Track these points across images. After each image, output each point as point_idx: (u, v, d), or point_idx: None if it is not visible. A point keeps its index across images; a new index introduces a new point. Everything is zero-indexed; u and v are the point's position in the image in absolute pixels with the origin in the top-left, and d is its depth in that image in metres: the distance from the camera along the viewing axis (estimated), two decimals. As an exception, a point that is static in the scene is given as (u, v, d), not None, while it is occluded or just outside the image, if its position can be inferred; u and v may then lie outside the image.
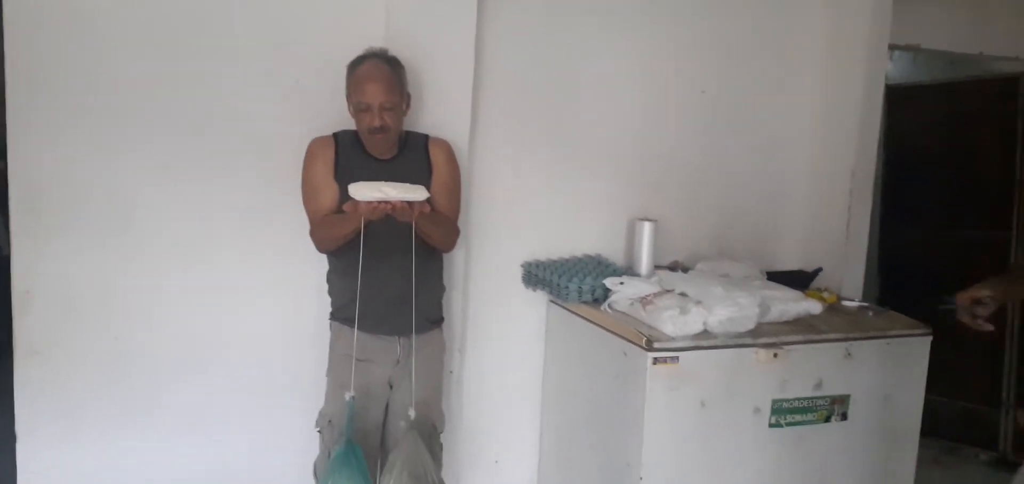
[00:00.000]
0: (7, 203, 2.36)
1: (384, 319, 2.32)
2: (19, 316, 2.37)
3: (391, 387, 2.39)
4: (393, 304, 2.30)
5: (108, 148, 2.42)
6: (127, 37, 2.39)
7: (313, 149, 2.32)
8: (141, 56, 2.41)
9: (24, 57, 2.30)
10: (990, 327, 1.98)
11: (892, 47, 3.41)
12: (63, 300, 2.42)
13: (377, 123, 2.23)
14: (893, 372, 2.62)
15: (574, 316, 2.71)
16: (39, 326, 2.40)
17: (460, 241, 2.52)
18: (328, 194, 2.27)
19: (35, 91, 2.33)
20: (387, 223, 2.11)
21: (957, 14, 3.57)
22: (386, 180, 2.11)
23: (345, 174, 2.23)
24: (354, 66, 2.28)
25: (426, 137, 2.43)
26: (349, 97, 2.28)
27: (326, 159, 2.30)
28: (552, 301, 2.88)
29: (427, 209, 2.12)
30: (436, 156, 2.39)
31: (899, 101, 4.16)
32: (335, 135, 2.35)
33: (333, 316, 2.41)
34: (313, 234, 2.31)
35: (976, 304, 1.98)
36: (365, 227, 2.14)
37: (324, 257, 2.38)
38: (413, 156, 2.36)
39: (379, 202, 2.02)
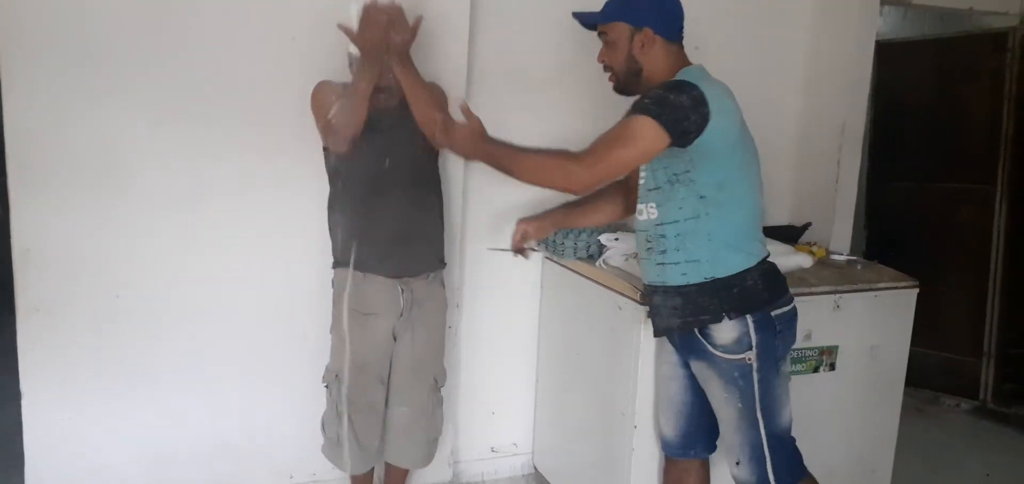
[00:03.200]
0: (3, 164, 2.36)
1: (387, 257, 2.32)
2: (20, 274, 2.39)
3: (395, 339, 2.42)
4: (395, 242, 2.31)
5: (101, 102, 2.40)
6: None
7: (322, 84, 2.30)
8: (132, 5, 2.39)
9: (13, 11, 2.28)
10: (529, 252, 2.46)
11: (883, 2, 3.43)
12: (63, 257, 2.43)
13: (383, 97, 2.22)
14: (880, 324, 2.69)
15: (569, 272, 2.76)
16: (40, 284, 2.41)
17: (457, 199, 2.55)
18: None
19: (26, 46, 2.31)
20: (388, 155, 2.17)
21: (947, -31, 3.59)
22: (389, 133, 2.13)
23: None
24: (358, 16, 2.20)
25: None
26: (351, 51, 2.24)
27: (335, 93, 2.26)
28: (547, 257, 2.92)
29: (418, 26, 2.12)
30: None
31: (889, 56, 4.19)
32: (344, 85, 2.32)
33: (335, 262, 2.42)
34: (328, 133, 2.23)
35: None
36: (365, 158, 2.18)
37: (325, 207, 2.39)
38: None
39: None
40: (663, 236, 2.00)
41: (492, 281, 2.96)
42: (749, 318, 1.96)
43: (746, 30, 3.23)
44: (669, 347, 2.18)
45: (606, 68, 2.06)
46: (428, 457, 2.56)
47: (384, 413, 2.44)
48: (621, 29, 1.99)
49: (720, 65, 3.15)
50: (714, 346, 1.99)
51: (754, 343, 1.96)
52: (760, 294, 1.99)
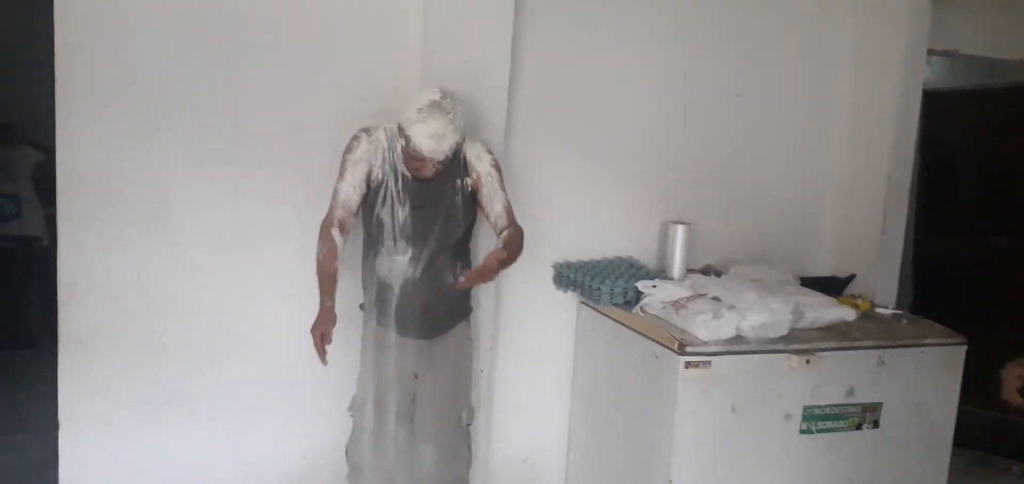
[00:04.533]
0: (53, 195, 2.42)
1: (407, 325, 2.36)
2: (64, 306, 2.43)
3: (416, 377, 2.43)
4: (415, 315, 2.34)
5: (148, 143, 2.47)
6: (168, 33, 2.45)
7: (359, 141, 2.31)
8: (181, 51, 2.47)
9: (72, 53, 2.36)
10: None
11: (930, 52, 3.38)
12: (105, 290, 2.48)
13: (428, 174, 2.25)
14: (926, 381, 2.60)
15: (605, 318, 2.72)
16: (82, 316, 2.46)
17: (491, 240, 2.55)
18: (354, 195, 2.29)
19: (82, 86, 2.39)
20: (418, 229, 2.24)
21: (996, 19, 3.52)
22: (422, 209, 2.27)
23: (377, 188, 2.29)
24: (422, 114, 2.19)
25: (460, 144, 2.33)
26: (406, 133, 2.21)
27: (364, 159, 2.30)
28: (583, 302, 2.89)
29: (503, 255, 2.21)
30: (473, 161, 2.37)
31: (937, 106, 4.11)
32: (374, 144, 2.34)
33: (362, 306, 2.46)
34: (321, 236, 2.29)
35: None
36: (395, 227, 2.27)
37: (358, 249, 2.43)
38: (450, 170, 2.32)
39: None
40: None
41: (526, 326, 2.93)
42: None
43: (788, 79, 3.21)
44: None
45: None
46: (455, 494, 2.53)
47: (409, 448, 2.44)
48: None
49: (763, 114, 3.19)
50: None
51: None
52: None
